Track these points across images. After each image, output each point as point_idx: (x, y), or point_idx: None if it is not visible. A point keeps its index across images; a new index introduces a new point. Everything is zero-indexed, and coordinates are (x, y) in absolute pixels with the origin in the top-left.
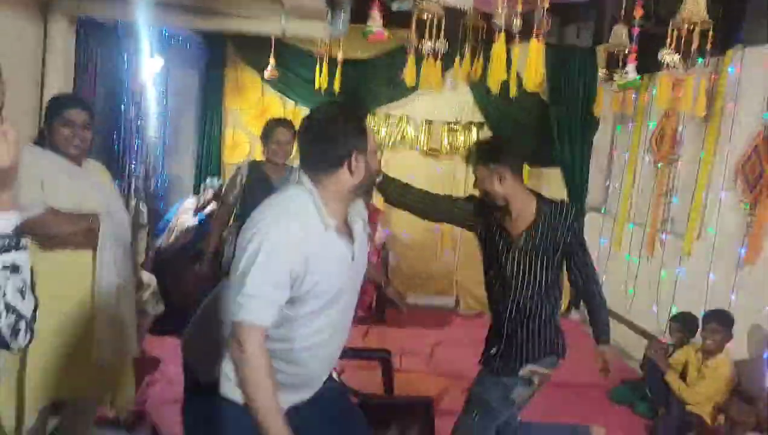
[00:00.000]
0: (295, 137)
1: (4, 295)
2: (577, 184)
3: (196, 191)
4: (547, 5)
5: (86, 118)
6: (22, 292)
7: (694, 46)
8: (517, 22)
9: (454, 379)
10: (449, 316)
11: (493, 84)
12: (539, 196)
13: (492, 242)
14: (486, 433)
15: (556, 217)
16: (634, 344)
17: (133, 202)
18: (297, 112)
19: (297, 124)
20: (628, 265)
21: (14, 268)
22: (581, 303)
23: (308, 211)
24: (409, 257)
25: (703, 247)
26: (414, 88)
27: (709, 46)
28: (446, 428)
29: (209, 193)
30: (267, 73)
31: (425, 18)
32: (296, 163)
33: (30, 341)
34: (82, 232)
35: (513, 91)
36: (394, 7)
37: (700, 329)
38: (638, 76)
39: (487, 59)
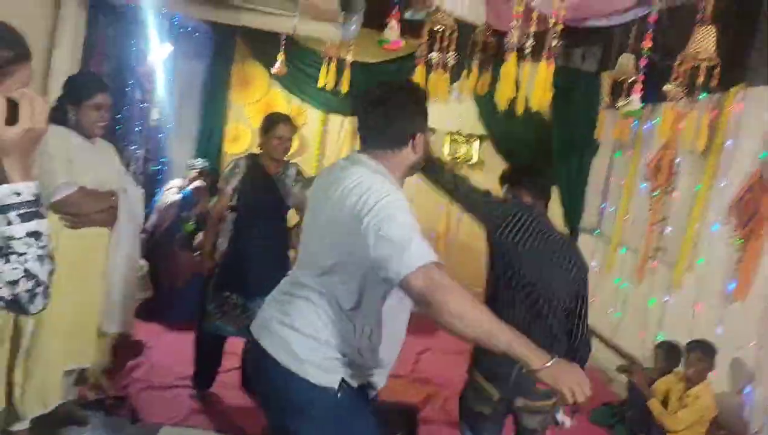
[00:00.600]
0: (296, 132)
1: (26, 261)
2: (573, 204)
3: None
4: (560, 27)
5: (110, 101)
6: (41, 259)
7: (700, 81)
8: (528, 42)
9: (440, 387)
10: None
11: (501, 101)
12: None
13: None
14: None
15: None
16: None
17: None
18: (302, 109)
19: (301, 121)
20: (617, 289)
21: (36, 235)
22: None
23: None
24: None
25: (692, 277)
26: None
27: (715, 83)
28: None
29: (194, 172)
30: (275, 69)
31: (437, 29)
32: (293, 159)
33: (46, 306)
34: (106, 209)
35: (520, 109)
36: (407, 15)
37: (684, 358)
38: (641, 106)
39: (494, 74)
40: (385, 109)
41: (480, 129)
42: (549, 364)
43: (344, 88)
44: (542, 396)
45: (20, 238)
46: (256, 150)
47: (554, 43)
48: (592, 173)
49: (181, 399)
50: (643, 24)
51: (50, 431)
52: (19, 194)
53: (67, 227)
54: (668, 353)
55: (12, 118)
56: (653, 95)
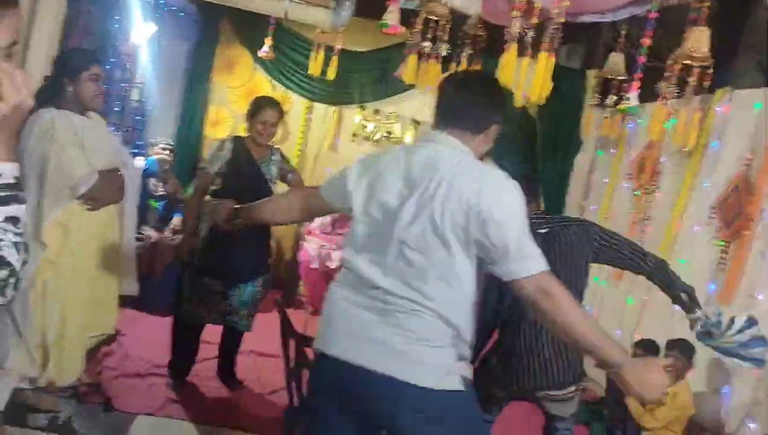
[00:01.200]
0: (282, 118)
1: (0, 248)
2: (554, 201)
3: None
4: (562, 20)
5: (103, 73)
6: (17, 246)
7: (692, 81)
8: (529, 34)
9: None
10: None
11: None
12: None
13: None
14: None
15: None
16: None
17: None
18: (286, 96)
19: (284, 107)
20: (594, 288)
21: (14, 220)
22: None
23: None
24: None
25: None
26: (405, 88)
27: (707, 84)
28: None
29: (157, 148)
30: (263, 53)
31: (431, 18)
32: (277, 144)
33: (12, 298)
34: (118, 189)
35: (518, 102)
36: (401, 3)
37: (662, 356)
38: (637, 106)
39: (484, 68)
40: (472, 95)
41: None
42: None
43: (331, 75)
44: (560, 385)
45: None
46: (241, 133)
47: (554, 35)
48: (574, 171)
49: (156, 388)
50: (633, 22)
51: (19, 418)
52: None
53: (87, 210)
54: (647, 351)
55: None
56: (640, 95)
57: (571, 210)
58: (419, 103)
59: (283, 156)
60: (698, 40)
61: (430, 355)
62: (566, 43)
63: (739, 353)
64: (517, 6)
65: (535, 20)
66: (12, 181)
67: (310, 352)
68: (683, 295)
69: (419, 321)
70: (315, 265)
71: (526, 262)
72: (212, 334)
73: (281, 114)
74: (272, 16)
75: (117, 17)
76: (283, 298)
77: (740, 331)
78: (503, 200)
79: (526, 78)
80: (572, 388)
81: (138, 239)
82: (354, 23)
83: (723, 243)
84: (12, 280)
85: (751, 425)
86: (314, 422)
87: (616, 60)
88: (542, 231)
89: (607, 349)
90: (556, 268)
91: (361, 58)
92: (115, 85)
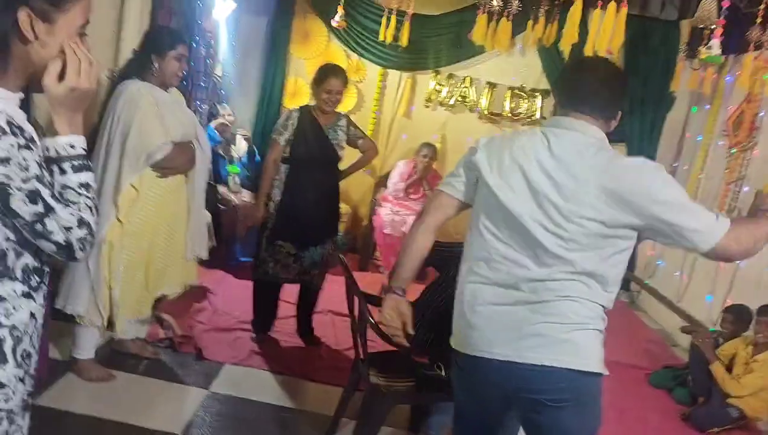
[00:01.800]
0: (347, 86)
1: (79, 210)
2: None
3: (255, 132)
4: None
5: (187, 53)
6: (90, 209)
7: None
8: None
9: None
10: None
11: (566, 46)
12: None
13: None
14: None
15: None
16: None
17: None
18: (360, 64)
19: (360, 77)
20: (685, 253)
21: (86, 187)
22: (631, 285)
23: None
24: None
25: None
26: (480, 50)
27: None
28: None
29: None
30: (335, 22)
31: None
32: (351, 114)
33: (89, 254)
34: (189, 159)
35: (589, 53)
36: None
37: (753, 322)
38: (720, 55)
39: (561, 26)
40: (612, 81)
41: (544, 83)
42: None
43: (404, 41)
44: None
45: (72, 187)
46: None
47: None
48: (665, 129)
49: (241, 341)
50: None
51: (120, 362)
52: (73, 147)
53: (158, 177)
54: (737, 317)
55: (62, 75)
56: (735, 45)
57: None
58: (495, 66)
59: (350, 121)
60: None
61: (586, 338)
62: None
63: None
64: None
65: None
66: (82, 151)
67: (374, 311)
68: None
69: (573, 305)
70: (388, 230)
71: (710, 228)
72: (290, 292)
73: (346, 82)
74: None
75: None
76: (360, 262)
77: None
78: (658, 181)
79: (597, 30)
80: None
81: (221, 204)
82: None
83: None
84: (90, 238)
85: None
86: (470, 420)
87: (708, 7)
88: None
89: None
90: None
91: (434, 22)
92: (199, 61)
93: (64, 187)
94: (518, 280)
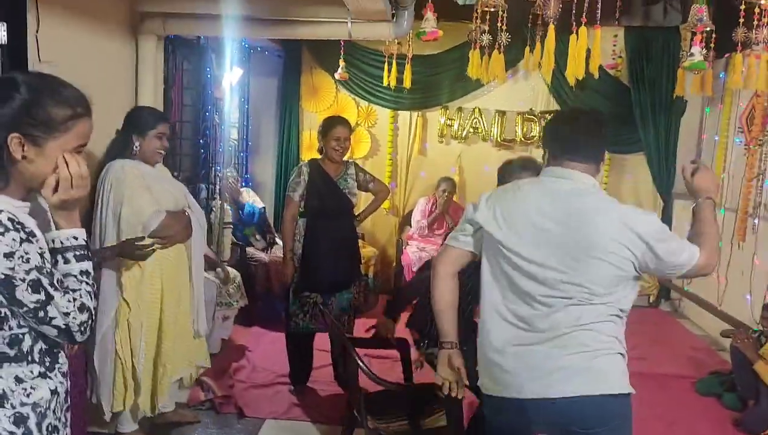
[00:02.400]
0: (352, 133)
1: (80, 296)
2: (662, 169)
3: (277, 189)
4: None
5: (169, 130)
6: (89, 295)
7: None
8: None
9: None
10: None
11: (546, 73)
12: None
13: None
14: None
15: None
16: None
17: (218, 203)
18: (371, 110)
19: (370, 121)
20: (719, 254)
21: (87, 274)
22: (670, 294)
23: None
24: None
25: None
26: (482, 82)
27: None
28: None
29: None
30: (338, 75)
31: (489, 10)
32: (367, 160)
33: (87, 337)
34: (185, 227)
35: (580, 73)
36: (461, 1)
37: None
38: (703, 62)
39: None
40: (591, 130)
41: (553, 104)
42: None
43: (407, 83)
44: None
45: (74, 274)
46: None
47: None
48: (682, 132)
49: (281, 395)
50: None
51: (164, 432)
52: (76, 238)
53: (159, 248)
54: None
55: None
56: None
57: (682, 176)
58: (501, 94)
59: (358, 167)
60: None
61: (608, 362)
62: (657, 2)
63: None
64: None
65: None
66: (83, 242)
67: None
68: None
69: (590, 333)
70: (416, 267)
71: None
72: (324, 341)
73: (351, 129)
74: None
75: (209, 68)
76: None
77: None
78: (652, 222)
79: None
80: None
81: (250, 262)
82: (419, 28)
83: None
84: (91, 322)
85: None
86: None
87: (695, 10)
88: None
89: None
90: None
91: (435, 60)
92: (213, 128)
93: (67, 275)
94: (535, 319)
